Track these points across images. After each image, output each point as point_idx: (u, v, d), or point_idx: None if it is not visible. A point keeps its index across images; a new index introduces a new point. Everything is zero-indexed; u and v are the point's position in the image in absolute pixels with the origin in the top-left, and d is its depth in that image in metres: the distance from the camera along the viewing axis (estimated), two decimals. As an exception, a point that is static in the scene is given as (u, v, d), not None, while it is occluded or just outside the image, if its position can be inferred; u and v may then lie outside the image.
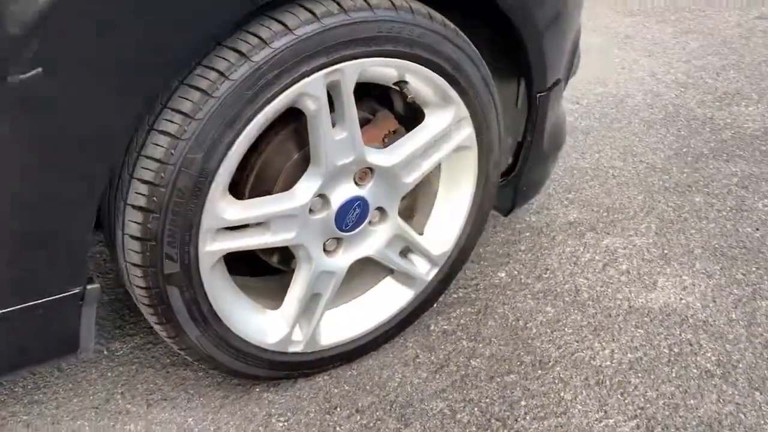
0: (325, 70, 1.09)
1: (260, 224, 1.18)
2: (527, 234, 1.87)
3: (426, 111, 1.30)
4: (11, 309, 1.00)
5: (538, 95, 1.43)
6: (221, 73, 1.03)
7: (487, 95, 1.32)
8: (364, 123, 1.28)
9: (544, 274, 1.73)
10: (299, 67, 1.07)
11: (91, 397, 1.31)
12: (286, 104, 1.10)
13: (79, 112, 0.92)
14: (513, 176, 1.56)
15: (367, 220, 1.30)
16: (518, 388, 1.39)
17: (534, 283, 1.69)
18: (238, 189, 1.20)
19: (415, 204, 1.47)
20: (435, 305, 1.58)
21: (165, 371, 1.38)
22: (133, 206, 1.06)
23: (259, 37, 1.04)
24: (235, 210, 1.13)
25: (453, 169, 1.40)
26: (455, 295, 1.64)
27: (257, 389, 1.37)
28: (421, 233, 1.43)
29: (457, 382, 1.40)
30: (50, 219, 0.97)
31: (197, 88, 1.02)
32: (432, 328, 1.55)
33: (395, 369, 1.44)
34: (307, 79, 1.08)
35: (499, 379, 1.41)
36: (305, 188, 1.20)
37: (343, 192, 1.24)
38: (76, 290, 1.05)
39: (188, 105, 1.02)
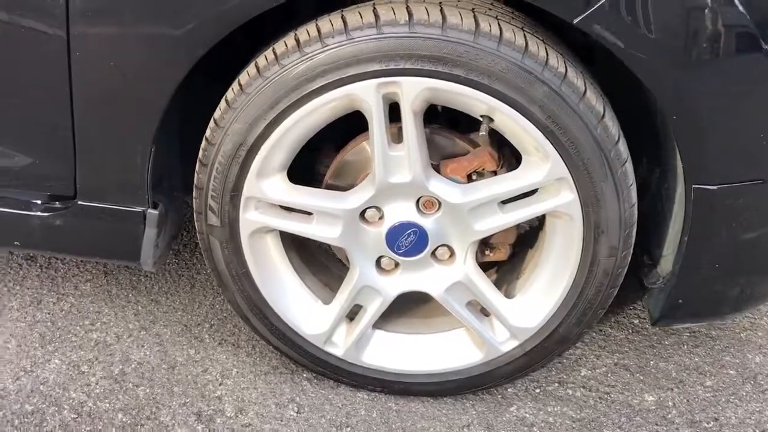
0: (378, 79, 1.06)
1: (306, 213, 1.21)
2: (730, 371, 1.47)
3: (523, 158, 1.14)
4: (93, 204, 1.24)
5: (696, 188, 1.11)
6: (276, 56, 1.09)
7: (602, 162, 1.09)
8: (461, 154, 1.19)
9: (713, 427, 1.35)
10: (348, 69, 1.06)
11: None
12: (340, 104, 1.10)
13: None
14: (667, 281, 1.25)
15: (426, 251, 1.21)
16: None
17: (685, 429, 1.33)
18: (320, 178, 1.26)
19: (524, 263, 1.29)
20: (529, 389, 1.38)
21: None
22: (198, 157, 1.20)
23: (318, 31, 1.07)
24: (278, 190, 1.18)
25: (554, 239, 1.20)
26: (561, 388, 1.40)
27: (303, 376, 1.39)
28: (512, 296, 1.27)
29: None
30: (121, 138, 1.17)
31: (255, 65, 1.11)
32: (511, 409, 1.35)
33: (436, 427, 1.31)
34: (357, 84, 1.07)
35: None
36: (356, 194, 1.18)
37: (398, 212, 1.19)
38: (139, 209, 1.24)
39: (245, 78, 1.11)
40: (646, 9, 0.98)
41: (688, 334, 1.58)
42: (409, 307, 1.35)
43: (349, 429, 1.30)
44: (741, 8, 0.99)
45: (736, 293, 1.29)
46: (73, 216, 1.26)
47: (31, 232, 1.28)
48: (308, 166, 1.30)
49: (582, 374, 1.46)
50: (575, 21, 0.99)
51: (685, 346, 1.55)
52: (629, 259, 1.20)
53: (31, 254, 1.63)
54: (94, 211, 1.25)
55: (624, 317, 1.61)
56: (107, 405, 1.30)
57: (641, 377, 1.46)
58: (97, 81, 1.11)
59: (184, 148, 1.29)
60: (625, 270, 1.21)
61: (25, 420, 1.26)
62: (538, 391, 1.41)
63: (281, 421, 1.31)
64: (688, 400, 1.41)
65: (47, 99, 1.14)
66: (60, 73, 1.11)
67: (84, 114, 1.14)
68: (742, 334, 1.60)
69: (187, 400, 1.33)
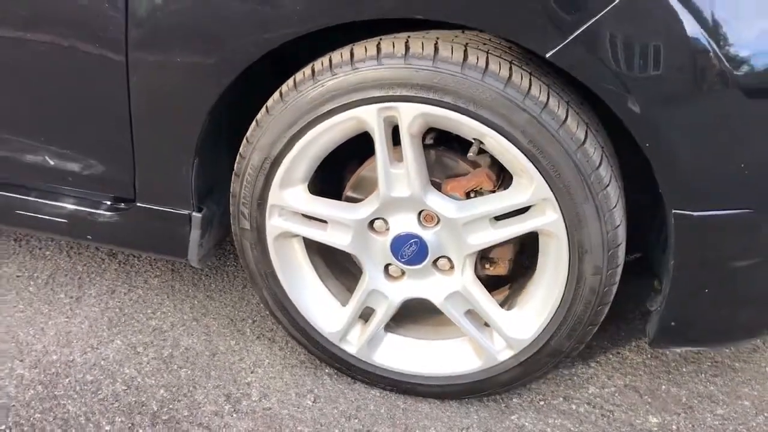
0: (379, 104, 1.20)
1: (322, 221, 1.36)
2: (745, 402, 1.48)
3: (513, 179, 1.23)
4: (148, 206, 1.45)
5: (676, 214, 1.17)
6: (294, 84, 1.25)
7: (582, 185, 1.17)
8: (464, 174, 1.31)
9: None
10: (353, 95, 1.20)
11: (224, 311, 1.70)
12: (349, 125, 1.25)
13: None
14: (660, 304, 1.29)
15: (427, 261, 1.32)
16: None
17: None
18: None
19: (525, 279, 1.38)
20: (534, 401, 1.46)
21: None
22: (233, 169, 1.38)
23: (330, 61, 1.22)
24: (299, 200, 1.34)
25: (545, 257, 1.28)
26: (565, 403, 1.46)
27: (325, 371, 1.53)
28: (511, 308, 1.35)
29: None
30: (169, 150, 1.37)
31: (279, 91, 1.27)
32: (512, 418, 1.43)
33: (437, 427, 1.41)
34: (361, 108, 1.21)
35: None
36: (364, 207, 1.32)
37: (401, 224, 1.31)
38: (185, 212, 1.43)
39: (270, 102, 1.28)
40: (615, 44, 1.07)
41: (710, 363, 1.60)
42: (420, 314, 1.46)
43: (356, 421, 1.43)
44: (707, 43, 1.05)
45: (731, 322, 1.32)
46: (133, 216, 1.47)
47: (99, 227, 1.50)
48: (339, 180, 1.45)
49: (589, 391, 1.51)
50: (548, 55, 1.09)
51: (704, 375, 1.57)
52: (617, 278, 1.26)
53: (113, 251, 1.88)
54: (149, 212, 1.46)
55: (645, 342, 1.64)
56: (153, 381, 1.50)
57: (649, 399, 1.49)
58: (148, 101, 1.32)
59: (232, 162, 1.48)
60: (614, 288, 1.27)
61: (85, 387, 1.48)
62: (542, 403, 1.48)
63: (298, 408, 1.45)
64: (693, 426, 1.43)
65: (112, 116, 1.35)
66: (122, 95, 1.32)
67: (140, 129, 1.35)
68: (767, 368, 1.60)
69: (221, 383, 1.50)
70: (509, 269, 1.37)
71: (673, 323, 1.30)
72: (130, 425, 1.40)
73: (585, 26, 1.05)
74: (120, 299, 1.73)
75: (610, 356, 1.60)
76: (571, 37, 1.07)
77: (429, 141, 1.35)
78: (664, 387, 1.52)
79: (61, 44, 1.31)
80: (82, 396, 1.46)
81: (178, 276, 1.81)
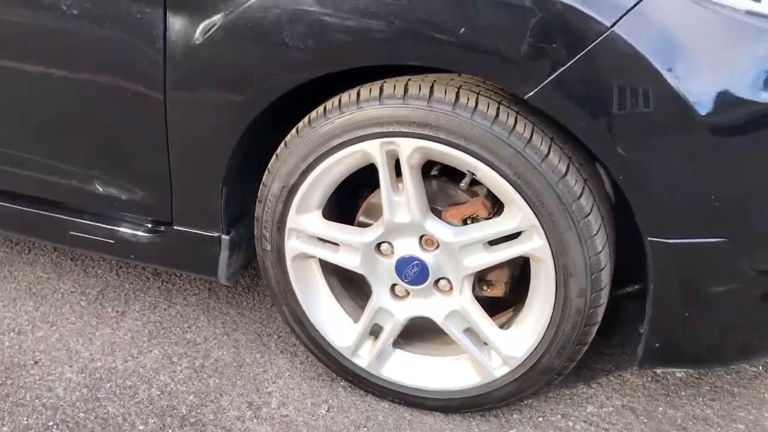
0: (381, 139, 1.34)
1: (335, 244, 1.49)
2: (740, 425, 1.53)
3: (505, 208, 1.35)
4: (184, 229, 1.61)
5: (651, 241, 1.26)
6: (309, 121, 1.40)
7: (564, 214, 1.28)
8: (462, 202, 1.43)
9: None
10: (358, 131, 1.35)
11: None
12: (356, 158, 1.39)
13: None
14: (645, 325, 1.38)
15: (428, 282, 1.45)
16: None
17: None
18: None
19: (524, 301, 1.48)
20: (533, 417, 1.56)
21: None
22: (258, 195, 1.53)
23: (339, 101, 1.37)
24: (313, 224, 1.48)
25: (536, 280, 1.38)
26: (563, 420, 1.55)
27: (340, 384, 1.66)
28: (508, 327, 1.46)
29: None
30: (201, 179, 1.54)
31: (296, 128, 1.42)
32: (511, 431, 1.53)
33: (441, 437, 1.52)
34: (366, 142, 1.35)
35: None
36: (371, 231, 1.45)
37: (404, 247, 1.44)
38: (215, 235, 1.59)
39: (288, 137, 1.44)
40: (585, 88, 1.19)
41: (709, 387, 1.66)
42: (426, 333, 1.58)
43: (365, 430, 1.55)
44: (671, 82, 1.16)
45: (716, 344, 1.39)
46: (170, 238, 1.64)
47: (141, 248, 1.68)
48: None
49: (588, 410, 1.59)
50: (526, 97, 1.21)
51: (701, 398, 1.63)
52: (602, 300, 1.36)
53: (157, 270, 2.06)
54: (184, 235, 1.62)
55: (659, 375, 1.71)
56: (184, 388, 1.65)
57: (645, 420, 1.57)
58: (183, 136, 1.48)
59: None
60: (600, 309, 1.37)
61: (124, 391, 1.64)
62: (540, 419, 1.57)
63: (312, 416, 1.58)
64: (685, 446, 1.50)
65: (152, 148, 1.52)
66: (160, 130, 1.49)
67: (176, 160, 1.52)
68: (765, 394, 1.65)
69: (244, 392, 1.64)
70: (505, 291, 1.48)
71: (657, 344, 1.39)
72: (161, 426, 1.56)
73: (558, 72, 1.17)
74: (160, 314, 1.90)
75: (612, 378, 1.68)
76: (546, 81, 1.18)
77: (434, 172, 1.48)
78: (661, 409, 1.60)
79: (109, 84, 1.49)
80: (121, 399, 1.63)
81: (214, 294, 1.97)
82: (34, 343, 1.78)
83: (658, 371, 1.70)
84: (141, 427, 1.55)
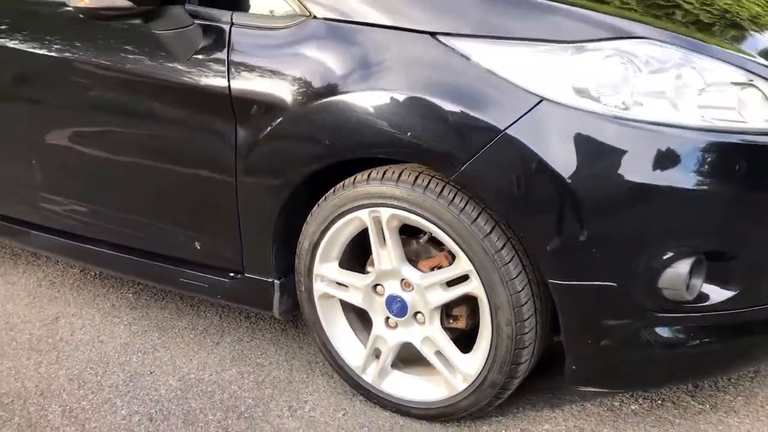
0: (369, 209, 1.89)
1: (346, 286, 2.04)
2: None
3: (456, 258, 1.84)
4: (251, 276, 2.23)
5: (550, 282, 1.70)
6: (326, 197, 1.98)
7: (490, 263, 1.75)
8: (432, 256, 1.94)
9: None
10: (354, 203, 1.91)
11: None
12: (355, 223, 1.94)
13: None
14: (566, 349, 1.79)
15: (408, 315, 1.94)
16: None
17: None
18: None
19: (482, 333, 1.93)
20: (498, 430, 1.97)
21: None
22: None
23: (344, 183, 1.94)
24: (332, 272, 2.04)
25: (482, 312, 1.84)
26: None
27: (358, 397, 2.16)
28: (468, 351, 1.91)
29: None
30: (258, 240, 2.15)
31: (318, 202, 2.01)
32: (477, 437, 1.95)
33: (421, 438, 1.97)
34: (359, 211, 1.91)
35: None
36: (368, 276, 1.98)
37: (390, 288, 1.96)
38: (270, 280, 2.19)
39: (315, 207, 2.02)
40: (492, 171, 1.68)
41: (654, 417, 1.99)
42: (415, 358, 2.06)
43: (366, 429, 2.04)
44: (553, 167, 1.62)
45: (620, 371, 1.77)
46: (243, 283, 2.26)
47: (224, 290, 2.31)
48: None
49: (544, 427, 1.99)
50: (451, 178, 1.73)
51: (644, 426, 1.96)
52: (526, 329, 1.79)
53: (248, 313, 2.69)
54: (251, 281, 2.24)
55: (608, 399, 2.07)
56: (246, 394, 2.24)
57: (589, 437, 1.93)
58: (247, 209, 2.11)
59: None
60: (526, 336, 1.79)
61: (205, 394, 2.25)
62: (503, 431, 1.98)
63: (332, 418, 2.10)
64: (615, 459, 1.85)
65: (229, 218, 2.17)
66: (234, 205, 2.13)
67: (244, 227, 2.15)
68: (702, 425, 1.94)
69: (288, 399, 2.20)
70: (468, 324, 1.94)
71: (573, 367, 1.79)
72: (224, 417, 2.14)
73: (469, 162, 1.69)
74: (243, 345, 2.51)
75: (573, 405, 2.06)
76: (462, 168, 1.70)
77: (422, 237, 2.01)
78: (605, 431, 1.95)
79: (201, 172, 2.16)
80: (201, 399, 2.24)
81: (284, 333, 2.56)
82: (152, 361, 2.46)
83: (615, 402, 2.05)
84: (210, 417, 2.15)
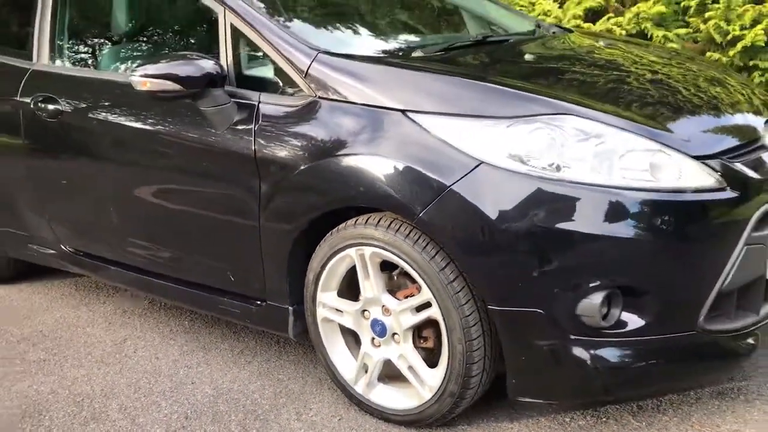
0: (355, 248, 2.36)
1: (341, 311, 2.50)
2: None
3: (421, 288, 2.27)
4: (272, 303, 2.72)
5: (488, 307, 2.10)
6: (326, 237, 2.46)
7: (445, 292, 2.17)
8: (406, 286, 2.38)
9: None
10: (345, 242, 2.38)
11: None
12: (346, 259, 2.41)
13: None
14: (508, 367, 2.18)
15: (387, 336, 2.38)
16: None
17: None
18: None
19: (447, 353, 2.34)
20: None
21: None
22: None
23: (339, 227, 2.42)
24: (330, 300, 2.51)
25: (442, 332, 2.25)
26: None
27: (354, 407, 2.59)
28: (434, 367, 2.32)
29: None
30: (274, 274, 2.65)
31: (319, 244, 2.49)
32: (442, 440, 2.35)
33: (397, 439, 2.38)
34: (348, 249, 2.38)
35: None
36: (358, 303, 2.44)
37: (374, 313, 2.41)
38: (286, 307, 2.67)
39: (317, 248, 2.50)
40: (440, 218, 2.12)
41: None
42: (400, 374, 2.48)
43: (352, 431, 2.46)
44: (485, 212, 2.05)
45: (550, 385, 2.13)
46: (265, 309, 2.75)
47: (251, 315, 2.81)
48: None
49: (500, 436, 2.35)
50: (413, 222, 2.17)
51: (586, 437, 2.30)
52: (475, 347, 2.18)
53: (278, 339, 3.17)
54: (272, 307, 2.72)
55: (561, 415, 2.41)
56: (264, 402, 2.70)
57: (535, 444, 2.29)
58: (267, 249, 2.61)
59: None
60: (475, 353, 2.19)
61: (232, 401, 2.73)
62: (465, 436, 2.36)
63: (329, 422, 2.54)
64: (552, 460, 2.19)
65: (254, 256, 2.67)
66: (257, 245, 2.64)
67: (266, 262, 2.65)
68: (638, 440, 2.27)
69: (297, 406, 2.65)
70: (435, 344, 2.35)
71: (513, 380, 2.17)
72: (244, 416, 2.61)
73: (424, 210, 2.14)
74: (270, 364, 2.99)
75: (530, 420, 2.42)
76: (420, 215, 2.15)
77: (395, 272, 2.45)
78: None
79: (231, 218, 2.69)
80: (229, 403, 2.72)
81: (304, 356, 3.03)
82: (194, 374, 2.97)
83: (566, 418, 2.40)
84: (233, 417, 2.63)
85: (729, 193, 2.12)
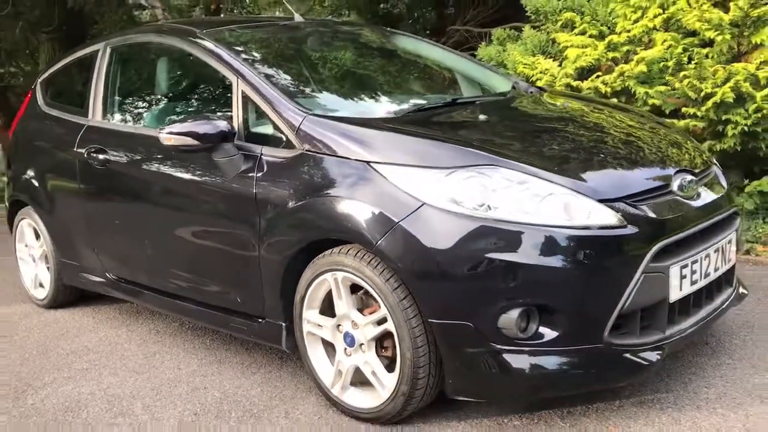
0: (330, 273, 2.88)
1: (321, 326, 3.01)
2: None
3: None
4: (270, 320, 3.25)
5: (429, 321, 2.59)
6: (310, 264, 2.99)
7: (398, 309, 2.67)
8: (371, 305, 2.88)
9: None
10: (322, 268, 2.91)
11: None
12: (325, 283, 2.93)
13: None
14: (447, 371, 2.65)
15: (356, 346, 2.87)
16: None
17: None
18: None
19: (404, 361, 2.82)
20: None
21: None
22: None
23: (318, 256, 2.95)
24: (313, 316, 3.02)
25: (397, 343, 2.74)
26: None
27: (332, 408, 3.07)
28: (392, 372, 2.81)
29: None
30: (271, 297, 3.18)
31: (306, 267, 3.03)
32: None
33: (363, 433, 2.86)
34: (326, 274, 2.90)
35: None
36: (333, 319, 2.95)
37: (346, 327, 2.92)
38: (280, 323, 3.20)
39: (304, 272, 3.04)
40: (390, 249, 2.64)
41: (526, 431, 2.75)
42: (367, 380, 2.96)
43: (329, 427, 2.95)
44: (424, 243, 2.56)
45: (480, 386, 2.60)
46: (264, 326, 3.28)
47: (254, 331, 3.34)
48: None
49: (447, 431, 2.80)
50: (373, 250, 2.69)
51: (517, 434, 2.74)
52: (421, 353, 2.66)
53: (283, 356, 3.69)
54: (270, 324, 3.25)
55: (500, 416, 2.85)
56: (262, 404, 3.22)
57: (474, 438, 2.73)
58: (266, 275, 3.15)
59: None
60: (422, 360, 2.66)
61: (236, 403, 3.25)
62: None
63: (309, 419, 3.03)
64: (485, 450, 2.63)
65: (255, 281, 3.22)
66: (257, 272, 3.19)
67: (264, 286, 3.19)
68: (558, 436, 2.69)
69: (288, 408, 3.15)
70: (393, 353, 2.84)
71: (450, 381, 2.64)
72: (241, 415, 3.13)
73: (379, 241, 2.66)
74: (272, 374, 3.51)
75: (474, 420, 2.87)
76: (376, 245, 2.67)
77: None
78: (488, 435, 2.74)
79: (235, 250, 3.25)
80: (230, 404, 3.24)
81: (302, 368, 3.54)
82: (208, 382, 3.51)
83: (505, 419, 2.84)
84: (233, 414, 3.15)
85: (629, 230, 2.58)
